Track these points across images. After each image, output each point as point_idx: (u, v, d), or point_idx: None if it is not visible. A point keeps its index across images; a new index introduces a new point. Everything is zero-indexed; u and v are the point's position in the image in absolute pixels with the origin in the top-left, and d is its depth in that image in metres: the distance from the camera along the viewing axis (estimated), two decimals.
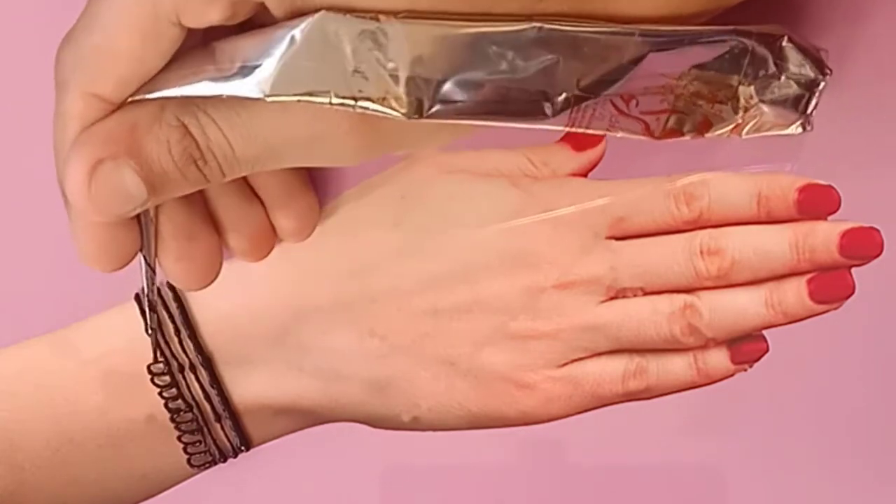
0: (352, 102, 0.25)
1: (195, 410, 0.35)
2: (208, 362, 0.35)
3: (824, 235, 0.33)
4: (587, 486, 0.44)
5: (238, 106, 0.26)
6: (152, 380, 0.34)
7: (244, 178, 0.32)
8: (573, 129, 0.28)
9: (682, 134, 0.29)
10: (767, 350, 0.34)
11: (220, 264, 0.31)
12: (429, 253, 0.34)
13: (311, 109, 0.25)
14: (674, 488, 0.44)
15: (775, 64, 0.29)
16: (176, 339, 0.35)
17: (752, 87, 0.29)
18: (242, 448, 0.36)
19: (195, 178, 0.27)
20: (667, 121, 0.29)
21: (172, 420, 0.35)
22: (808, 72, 0.29)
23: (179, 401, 0.35)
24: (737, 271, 0.33)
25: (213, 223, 0.31)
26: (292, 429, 0.37)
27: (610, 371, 0.34)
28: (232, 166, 0.27)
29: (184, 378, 0.35)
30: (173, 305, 0.35)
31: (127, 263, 0.28)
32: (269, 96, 0.24)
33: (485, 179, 0.35)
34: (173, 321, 0.35)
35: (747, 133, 0.30)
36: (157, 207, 0.29)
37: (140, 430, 0.35)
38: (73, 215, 0.27)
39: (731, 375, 0.34)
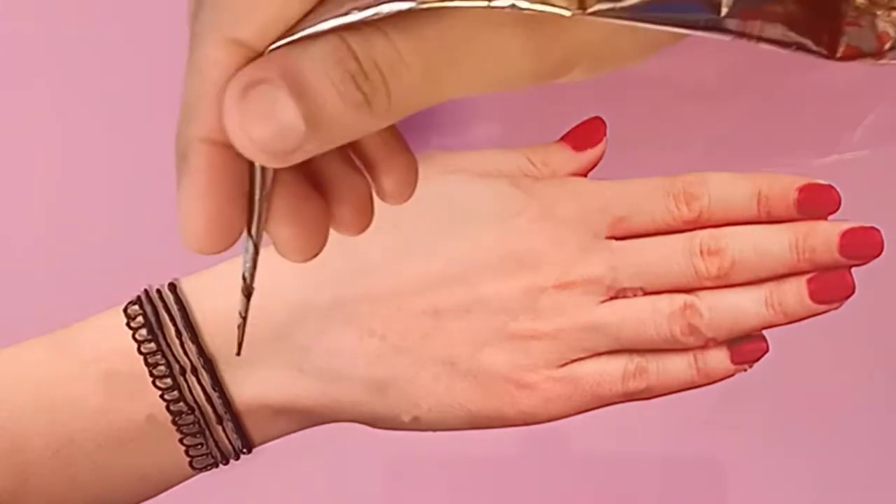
0: (511, 1, 0.22)
1: (197, 413, 0.35)
2: (210, 364, 0.35)
3: (824, 235, 0.33)
4: (590, 477, 0.44)
5: (410, 19, 0.23)
6: (154, 382, 0.34)
7: (346, 146, 0.28)
8: (745, 39, 0.26)
9: (861, 55, 0.27)
10: (767, 350, 0.34)
11: (328, 232, 0.29)
12: (429, 253, 0.34)
13: (480, 17, 0.23)
14: (676, 480, 0.44)
15: None
16: (177, 342, 0.34)
17: None
18: (244, 451, 0.36)
19: (355, 101, 0.23)
20: (843, 35, 0.26)
21: (174, 423, 0.35)
22: None
23: (181, 403, 0.35)
24: (737, 271, 0.33)
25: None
26: (293, 429, 0.37)
27: (610, 371, 0.34)
28: (399, 76, 0.23)
29: (185, 381, 0.35)
30: (174, 307, 0.35)
31: (228, 246, 0.26)
32: (421, 3, 0.22)
33: (485, 179, 0.35)
34: (174, 323, 0.35)
35: None
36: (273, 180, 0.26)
37: (140, 431, 0.35)
38: (187, 181, 0.24)
39: (731, 375, 0.34)
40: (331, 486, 0.45)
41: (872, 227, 0.33)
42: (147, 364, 0.34)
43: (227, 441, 0.36)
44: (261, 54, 0.23)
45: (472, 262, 0.34)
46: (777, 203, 0.33)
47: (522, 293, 0.34)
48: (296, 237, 0.27)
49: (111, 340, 0.35)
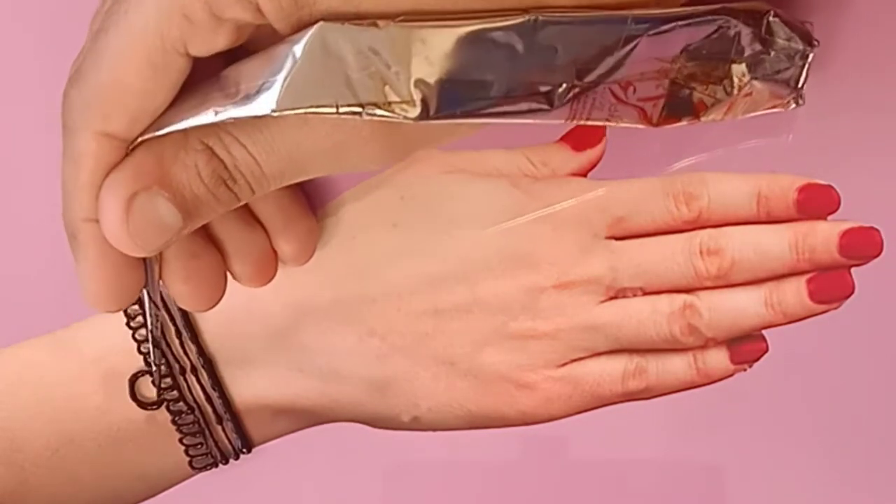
0: (358, 110, 0.25)
1: (197, 412, 0.35)
2: (209, 364, 0.35)
3: (824, 235, 0.33)
4: (589, 482, 0.44)
5: (259, 123, 0.26)
6: (153, 382, 0.34)
7: (246, 206, 0.32)
8: (575, 122, 0.28)
9: (679, 120, 0.29)
10: (767, 350, 0.34)
11: (225, 283, 0.31)
12: (428, 253, 0.34)
13: (329, 120, 0.25)
14: (676, 481, 0.44)
15: (763, 40, 0.29)
16: (177, 342, 0.35)
17: (743, 65, 0.29)
18: (244, 451, 0.36)
19: (226, 198, 0.27)
20: (663, 107, 0.29)
21: (174, 422, 0.35)
22: (797, 45, 0.29)
23: (181, 403, 0.35)
24: (736, 271, 0.33)
25: (217, 249, 0.31)
26: (292, 429, 0.37)
27: (610, 371, 0.34)
28: (260, 182, 0.27)
29: (185, 380, 0.35)
30: (174, 307, 0.35)
31: (132, 302, 0.29)
32: (275, 111, 0.24)
33: (484, 179, 0.35)
34: (174, 323, 0.35)
35: (741, 114, 0.30)
36: None
37: (140, 431, 0.35)
38: (81, 256, 0.27)
39: (731, 375, 0.34)
40: (330, 486, 0.45)
41: (872, 227, 0.32)
42: (147, 364, 0.34)
43: (226, 441, 0.36)
44: (130, 144, 0.25)
45: (471, 262, 0.34)
46: (777, 203, 0.33)
47: (522, 293, 0.34)
48: (191, 292, 0.30)
49: (111, 340, 0.35)
